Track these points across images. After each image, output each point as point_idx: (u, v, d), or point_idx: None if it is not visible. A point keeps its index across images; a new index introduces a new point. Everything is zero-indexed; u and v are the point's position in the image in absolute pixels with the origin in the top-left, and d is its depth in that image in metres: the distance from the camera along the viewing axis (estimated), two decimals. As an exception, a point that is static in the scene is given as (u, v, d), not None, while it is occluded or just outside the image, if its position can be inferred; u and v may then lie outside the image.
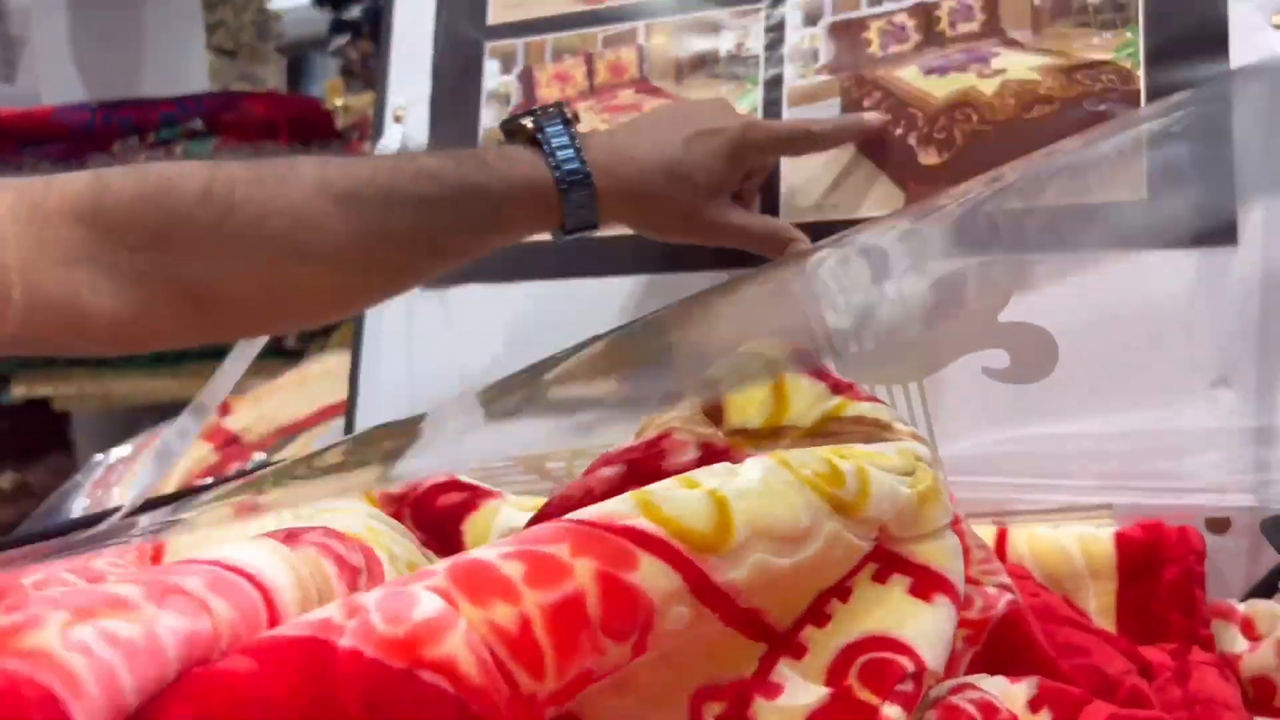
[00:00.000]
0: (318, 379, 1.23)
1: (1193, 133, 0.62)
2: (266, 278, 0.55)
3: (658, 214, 0.63)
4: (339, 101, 1.57)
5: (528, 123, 0.61)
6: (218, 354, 1.45)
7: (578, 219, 0.60)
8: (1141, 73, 0.64)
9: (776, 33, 0.73)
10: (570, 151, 0.59)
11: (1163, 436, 0.59)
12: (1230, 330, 0.60)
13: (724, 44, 0.75)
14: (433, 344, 0.80)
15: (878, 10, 0.71)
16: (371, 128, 0.85)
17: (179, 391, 1.55)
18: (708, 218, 0.63)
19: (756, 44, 0.74)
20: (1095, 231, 0.63)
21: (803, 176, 0.71)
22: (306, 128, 1.48)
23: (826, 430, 0.41)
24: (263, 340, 0.74)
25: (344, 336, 1.47)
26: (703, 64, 0.76)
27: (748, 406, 0.43)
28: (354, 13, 1.44)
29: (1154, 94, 0.63)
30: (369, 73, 1.51)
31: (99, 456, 1.10)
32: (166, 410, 1.64)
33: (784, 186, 0.71)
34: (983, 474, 0.62)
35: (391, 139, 0.83)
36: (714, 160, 0.62)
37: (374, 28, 1.43)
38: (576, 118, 0.62)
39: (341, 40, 1.45)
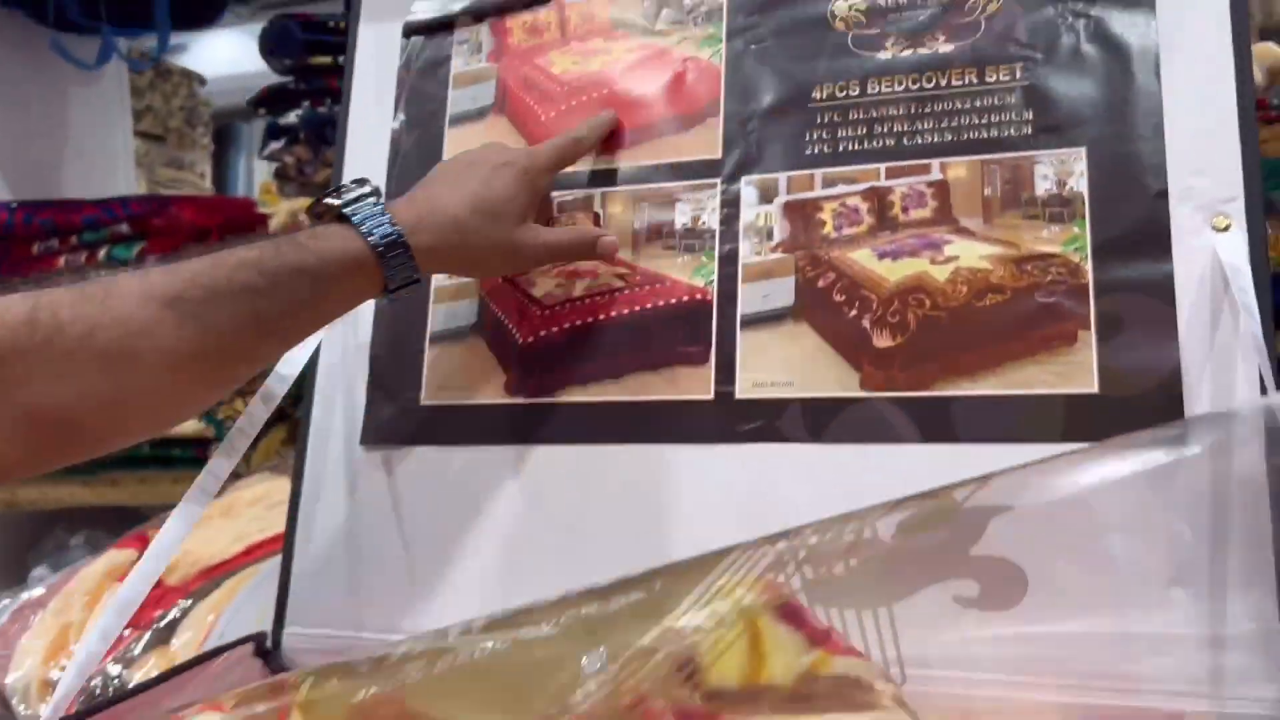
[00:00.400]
0: (245, 508, 1.18)
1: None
2: (106, 391, 0.55)
3: (476, 251, 0.69)
4: (272, 206, 1.54)
5: (333, 201, 0.65)
6: (129, 462, 1.41)
7: (400, 278, 0.64)
8: (1089, 267, 0.66)
9: (732, 208, 0.74)
10: (379, 218, 0.63)
11: (1120, 639, 0.59)
12: (1182, 532, 0.61)
13: (680, 217, 0.75)
14: (374, 504, 0.78)
15: (832, 192, 0.72)
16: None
17: (89, 498, 1.49)
18: (523, 243, 0.70)
19: (712, 219, 0.74)
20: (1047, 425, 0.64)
21: (760, 356, 0.71)
22: (238, 231, 1.45)
23: (806, 692, 0.40)
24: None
25: (266, 454, 1.43)
26: (659, 235, 0.76)
27: (725, 665, 0.42)
28: (290, 118, 1.43)
29: (1101, 289, 0.65)
30: (304, 177, 1.49)
31: (4, 601, 1.03)
32: (77, 516, 1.58)
33: (739, 365, 0.71)
34: (943, 669, 0.61)
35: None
36: (513, 189, 0.69)
37: (311, 134, 1.42)
38: (378, 191, 0.66)
39: (276, 145, 1.43)
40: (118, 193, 1.95)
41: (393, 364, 0.79)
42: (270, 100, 1.46)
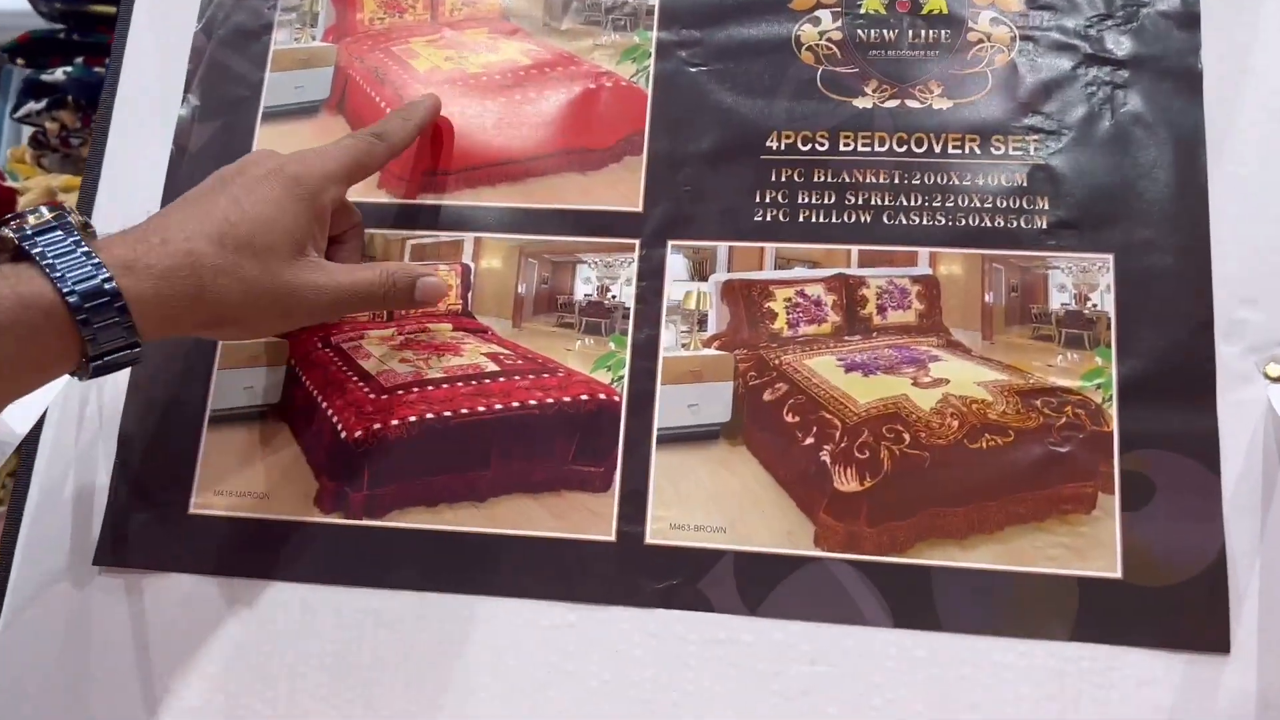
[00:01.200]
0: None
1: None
2: None
3: (226, 303, 0.46)
4: (22, 179, 1.23)
5: (7, 233, 0.43)
6: None
7: (107, 343, 0.43)
8: (1114, 411, 0.51)
9: (653, 281, 0.55)
10: (76, 257, 0.42)
11: None
12: (1216, 761, 0.47)
13: (583, 285, 0.56)
14: (106, 658, 0.54)
15: (787, 275, 0.55)
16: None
17: None
18: (299, 285, 0.48)
19: (625, 293, 0.55)
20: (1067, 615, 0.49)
21: (681, 487, 0.52)
22: (-26, 218, 1.14)
23: None
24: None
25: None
26: (551, 305, 0.56)
27: None
28: (57, 75, 1.13)
29: (1128, 442, 0.50)
30: (70, 149, 1.20)
31: None
32: None
33: (653, 497, 0.52)
34: None
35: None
36: (278, 208, 0.48)
37: (82, 97, 1.13)
38: (86, 224, 0.45)
39: (36, 106, 1.13)
40: None
41: (152, 451, 0.56)
42: (32, 49, 1.16)
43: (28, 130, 1.21)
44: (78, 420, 0.57)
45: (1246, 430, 0.50)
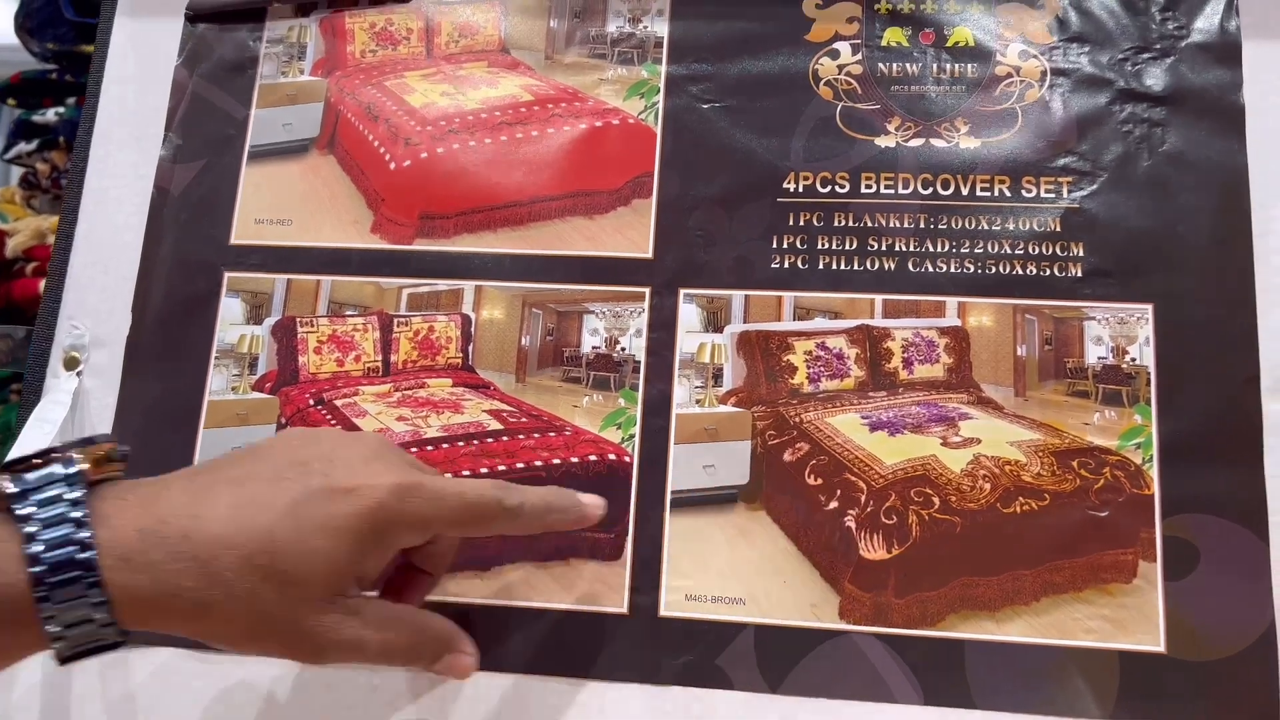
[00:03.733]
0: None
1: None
2: None
3: (230, 626, 0.38)
4: (12, 220, 1.20)
5: (6, 485, 0.36)
6: None
7: (75, 638, 0.35)
8: (1155, 473, 0.48)
9: (665, 333, 0.52)
10: (65, 528, 0.35)
11: None
12: None
13: (590, 336, 0.52)
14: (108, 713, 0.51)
15: (807, 327, 0.52)
16: (25, 376, 0.55)
17: None
18: (317, 632, 0.39)
19: (636, 345, 0.52)
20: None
21: (697, 555, 0.49)
22: (-46, 247, 1.10)
23: None
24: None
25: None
26: (557, 359, 0.53)
27: None
28: (48, 116, 1.09)
29: (1170, 506, 0.47)
30: (60, 190, 1.15)
31: None
32: None
33: (667, 566, 0.49)
34: None
35: (56, 400, 0.54)
36: (335, 541, 0.38)
37: (74, 139, 1.09)
38: (109, 460, 0.38)
39: (26, 147, 1.09)
40: None
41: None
42: (23, 90, 1.13)
43: (16, 171, 1.18)
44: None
45: (1296, 493, 0.47)
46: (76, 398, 0.54)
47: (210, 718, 0.50)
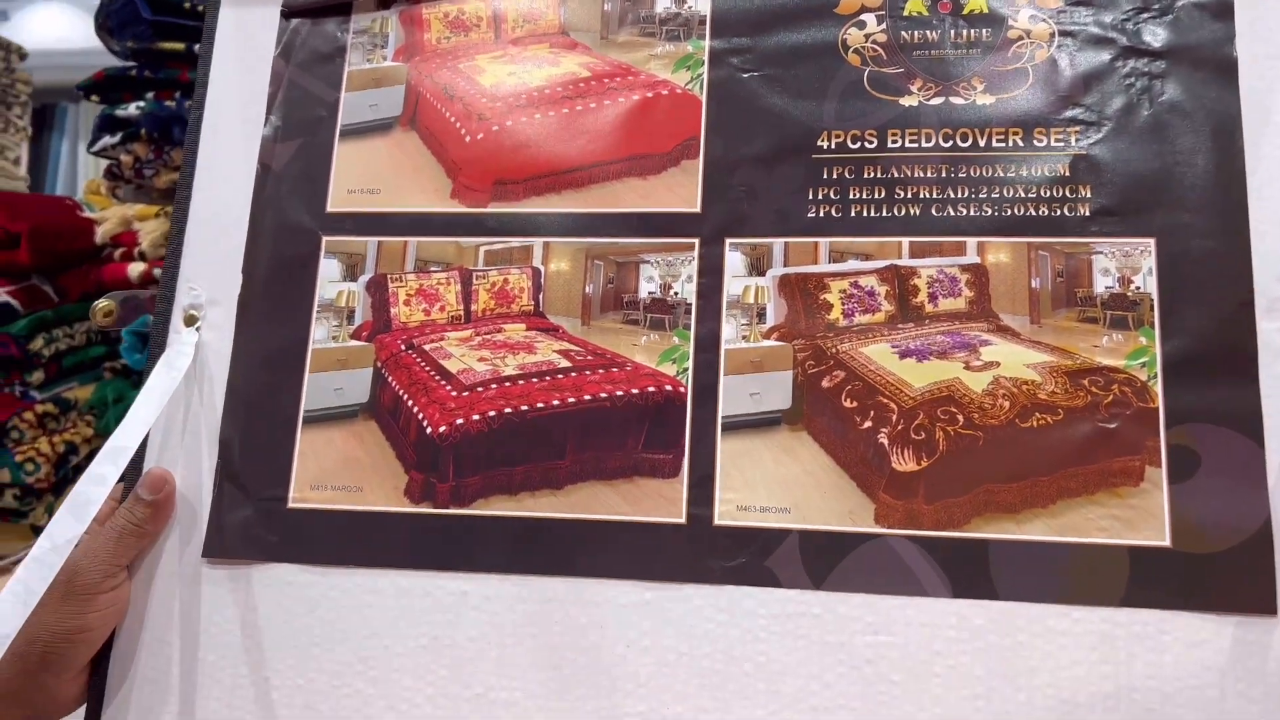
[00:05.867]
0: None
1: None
2: None
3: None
4: (99, 210, 1.29)
5: None
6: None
7: None
8: (1159, 388, 0.53)
9: (713, 278, 0.58)
10: None
11: None
12: (1268, 715, 0.50)
13: (646, 284, 0.59)
14: (217, 640, 0.58)
15: (841, 268, 0.58)
16: (152, 331, 0.62)
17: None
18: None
19: (687, 289, 0.58)
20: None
21: (746, 471, 0.55)
22: (55, 241, 1.20)
23: None
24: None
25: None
26: (617, 304, 0.59)
27: None
28: (130, 110, 1.18)
29: (1174, 416, 0.53)
30: (142, 179, 1.24)
31: None
32: None
33: (719, 481, 0.55)
34: None
35: (179, 352, 0.61)
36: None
37: (154, 130, 1.17)
38: None
39: (110, 140, 1.18)
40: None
41: (251, 451, 0.60)
42: (106, 87, 1.21)
43: (100, 164, 1.26)
44: (181, 428, 0.61)
45: (1289, 403, 0.52)
46: (196, 349, 0.62)
47: (318, 619, 0.57)
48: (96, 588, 0.56)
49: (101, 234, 1.21)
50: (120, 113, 1.16)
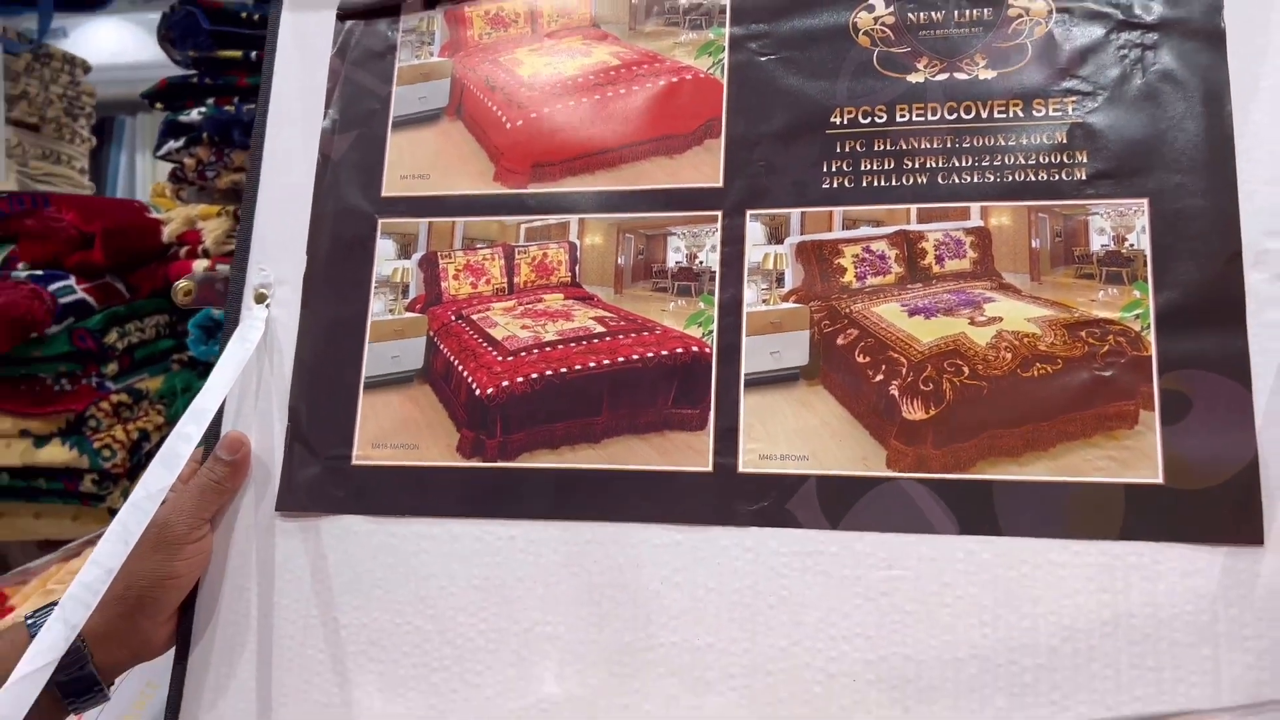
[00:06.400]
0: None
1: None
2: None
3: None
4: (165, 211, 1.37)
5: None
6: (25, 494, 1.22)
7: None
8: (1152, 337, 0.57)
9: (735, 247, 0.63)
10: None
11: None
12: (1259, 643, 0.53)
13: (673, 254, 0.64)
14: (290, 586, 0.64)
15: (854, 234, 0.62)
16: (226, 308, 0.69)
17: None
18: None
19: (711, 258, 0.63)
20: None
21: (767, 424, 0.60)
22: (126, 240, 1.28)
23: None
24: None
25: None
26: (647, 273, 0.64)
27: None
28: (193, 116, 1.25)
29: (1166, 364, 0.57)
30: (205, 181, 1.32)
31: None
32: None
33: (743, 433, 0.60)
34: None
35: (251, 327, 0.67)
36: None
37: (215, 133, 1.25)
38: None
39: (175, 145, 1.26)
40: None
41: (318, 414, 0.66)
42: (169, 94, 1.29)
43: (164, 168, 1.33)
44: (254, 395, 0.68)
45: (1276, 348, 0.56)
46: (267, 323, 0.68)
47: (380, 565, 0.63)
48: (184, 539, 0.63)
49: (168, 233, 1.29)
50: (183, 118, 1.24)
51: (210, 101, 1.25)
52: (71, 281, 1.26)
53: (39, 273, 1.25)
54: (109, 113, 3.27)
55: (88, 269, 1.28)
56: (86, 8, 1.68)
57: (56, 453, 1.20)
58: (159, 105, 1.27)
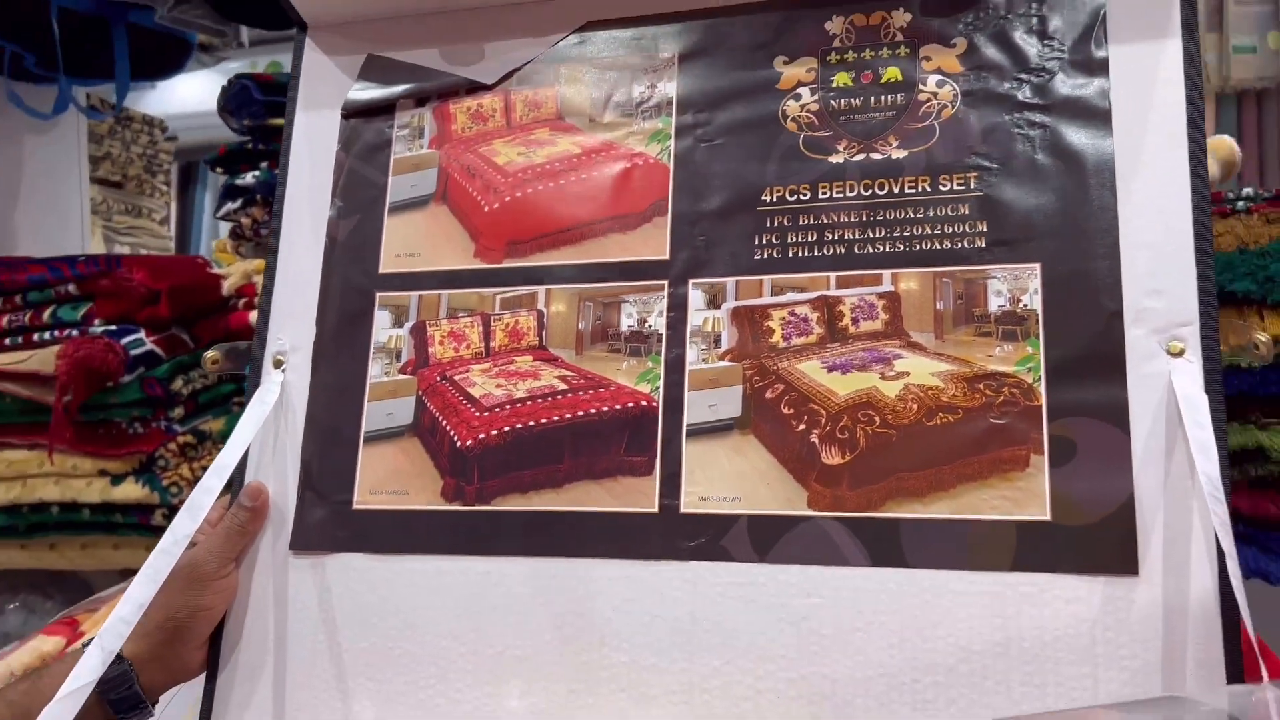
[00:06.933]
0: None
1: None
2: None
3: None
4: (225, 266, 1.50)
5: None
6: (69, 526, 1.36)
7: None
8: (1042, 388, 0.64)
9: (679, 312, 0.72)
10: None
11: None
12: (1134, 663, 0.59)
13: (626, 319, 0.73)
14: (303, 613, 0.74)
15: (781, 300, 0.70)
16: (248, 376, 0.79)
17: (27, 561, 1.43)
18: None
19: (659, 322, 0.72)
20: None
21: (706, 469, 0.68)
22: (189, 296, 1.41)
23: None
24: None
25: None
26: (604, 336, 0.73)
27: None
28: (247, 179, 1.39)
29: (1054, 412, 0.63)
30: (260, 238, 1.45)
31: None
32: (14, 579, 1.52)
33: (685, 477, 0.68)
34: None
35: (269, 389, 0.78)
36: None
37: (268, 195, 1.38)
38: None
39: (232, 206, 1.39)
40: (71, 242, 1.91)
41: (325, 464, 0.76)
42: (228, 160, 1.43)
43: (225, 226, 1.47)
44: (272, 449, 0.78)
45: (1152, 398, 0.62)
46: (282, 387, 0.78)
47: (376, 596, 0.72)
48: (213, 576, 0.73)
49: (228, 287, 1.42)
50: (239, 182, 1.37)
51: (263, 165, 1.38)
52: (142, 335, 1.40)
53: (113, 328, 1.39)
54: (193, 158, 3.48)
55: (156, 323, 1.41)
56: (161, 76, 1.85)
57: (131, 490, 1.33)
58: (219, 170, 1.41)
